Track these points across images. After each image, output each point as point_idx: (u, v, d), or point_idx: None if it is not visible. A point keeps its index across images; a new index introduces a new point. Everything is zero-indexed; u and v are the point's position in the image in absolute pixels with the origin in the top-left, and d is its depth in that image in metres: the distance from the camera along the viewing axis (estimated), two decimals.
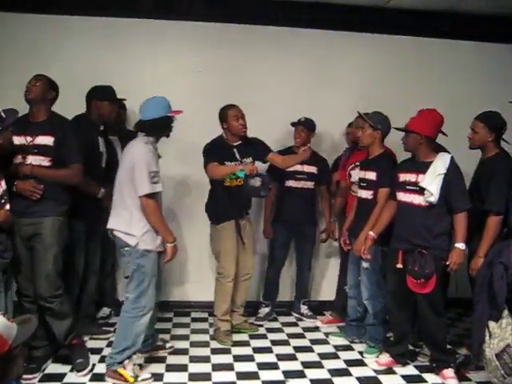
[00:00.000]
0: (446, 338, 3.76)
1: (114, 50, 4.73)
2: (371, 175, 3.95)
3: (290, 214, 4.70)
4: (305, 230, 4.79)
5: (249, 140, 4.25)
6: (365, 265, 3.97)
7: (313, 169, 4.71)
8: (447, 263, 3.47)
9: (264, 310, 4.82)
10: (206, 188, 4.31)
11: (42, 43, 4.59)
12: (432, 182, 3.50)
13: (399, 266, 3.60)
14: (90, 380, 3.46)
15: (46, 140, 3.49)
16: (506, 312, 3.19)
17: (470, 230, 3.77)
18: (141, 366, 3.60)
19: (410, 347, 4.10)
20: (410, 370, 3.77)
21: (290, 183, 4.72)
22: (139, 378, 3.40)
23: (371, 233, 3.82)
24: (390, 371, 3.73)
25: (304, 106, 4.83)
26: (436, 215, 3.53)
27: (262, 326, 4.65)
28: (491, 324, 3.21)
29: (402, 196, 3.66)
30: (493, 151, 3.63)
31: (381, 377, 3.65)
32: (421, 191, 3.53)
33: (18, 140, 3.45)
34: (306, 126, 4.64)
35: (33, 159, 3.45)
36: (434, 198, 3.50)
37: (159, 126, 3.48)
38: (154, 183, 3.35)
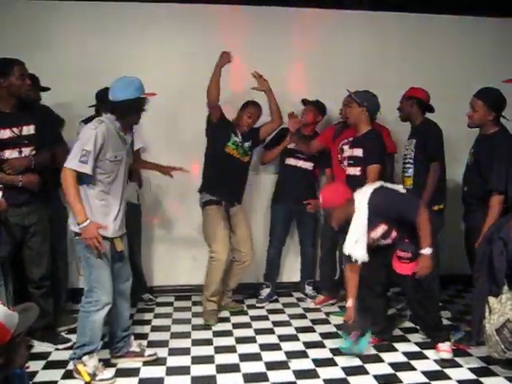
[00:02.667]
0: (437, 316, 3.76)
1: (102, 34, 4.65)
2: (358, 152, 3.97)
3: (289, 192, 4.70)
4: (305, 209, 4.77)
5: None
6: None
7: None
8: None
9: (265, 291, 4.84)
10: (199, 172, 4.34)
11: (28, 28, 4.51)
12: (356, 240, 3.47)
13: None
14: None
15: (32, 129, 3.53)
16: (505, 287, 3.22)
17: (467, 207, 3.80)
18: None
19: (410, 324, 4.14)
20: (411, 346, 3.80)
21: (290, 161, 4.72)
22: (97, 378, 3.23)
23: None
24: (390, 348, 3.76)
25: (301, 85, 4.79)
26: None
27: (262, 307, 4.68)
28: (491, 299, 3.24)
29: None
30: (492, 129, 3.60)
31: (382, 354, 3.67)
32: None
33: (3, 134, 3.39)
34: (315, 107, 4.66)
35: (25, 151, 3.47)
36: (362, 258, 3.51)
37: (132, 108, 3.21)
38: (81, 162, 3.05)
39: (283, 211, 4.78)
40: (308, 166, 4.73)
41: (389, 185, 3.63)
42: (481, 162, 3.59)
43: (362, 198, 3.48)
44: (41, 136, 3.55)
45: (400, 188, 3.68)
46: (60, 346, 3.70)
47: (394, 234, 3.53)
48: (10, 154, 3.42)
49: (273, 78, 4.76)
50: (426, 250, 3.40)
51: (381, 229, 3.49)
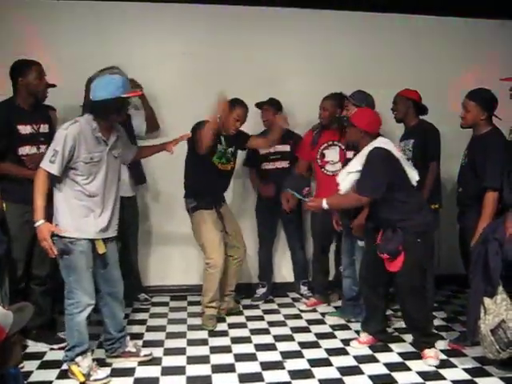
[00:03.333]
0: (426, 320, 3.74)
1: (99, 34, 4.64)
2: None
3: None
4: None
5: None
6: (360, 243, 3.98)
7: (285, 147, 4.69)
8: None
9: (261, 290, 4.86)
10: None
11: (27, 27, 4.50)
12: (344, 178, 3.56)
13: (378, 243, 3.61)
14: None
15: (46, 127, 3.68)
16: (500, 288, 3.23)
17: (461, 208, 3.81)
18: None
19: (404, 325, 4.15)
20: (406, 347, 3.80)
21: (267, 165, 4.74)
22: (91, 378, 3.22)
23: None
24: (386, 349, 3.76)
25: (292, 86, 4.79)
26: (384, 203, 3.47)
27: (257, 306, 4.70)
28: (486, 300, 3.25)
29: None
30: (485, 128, 3.61)
31: (377, 355, 3.67)
32: None
33: (24, 129, 3.54)
34: (271, 105, 4.63)
35: (42, 148, 3.57)
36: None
37: (110, 108, 3.12)
38: (50, 162, 3.05)
39: (267, 212, 4.80)
40: (285, 164, 4.72)
41: (406, 165, 3.58)
42: (476, 162, 3.60)
43: (374, 144, 3.51)
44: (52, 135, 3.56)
45: (415, 176, 3.58)
46: (55, 346, 3.69)
47: None
48: (29, 149, 3.56)
49: (266, 77, 4.79)
50: (324, 203, 3.49)
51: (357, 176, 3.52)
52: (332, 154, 4.42)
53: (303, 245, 4.96)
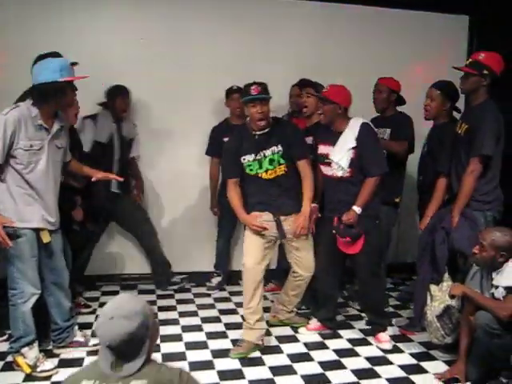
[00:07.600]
0: (382, 301, 3.83)
1: (49, 19, 4.44)
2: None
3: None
4: None
5: (279, 128, 3.59)
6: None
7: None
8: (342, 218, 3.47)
9: (216, 279, 4.84)
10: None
11: None
12: (342, 156, 3.49)
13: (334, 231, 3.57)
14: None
15: None
16: (446, 275, 3.33)
17: (422, 196, 3.91)
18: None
19: (355, 312, 4.22)
20: (356, 333, 3.87)
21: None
22: (38, 369, 3.15)
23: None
24: (335, 335, 3.82)
25: (241, 74, 4.71)
26: (360, 183, 3.48)
27: (209, 295, 4.67)
28: (432, 287, 3.35)
29: (324, 169, 3.62)
30: (445, 119, 3.76)
31: (326, 341, 3.73)
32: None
33: None
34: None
35: None
36: (341, 172, 3.50)
37: (48, 93, 2.96)
38: None
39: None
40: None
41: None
42: (434, 153, 3.73)
43: (360, 120, 3.51)
44: None
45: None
46: None
47: (348, 172, 3.50)
48: None
49: (217, 63, 4.71)
50: (358, 209, 3.43)
51: (352, 153, 3.47)
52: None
53: None
